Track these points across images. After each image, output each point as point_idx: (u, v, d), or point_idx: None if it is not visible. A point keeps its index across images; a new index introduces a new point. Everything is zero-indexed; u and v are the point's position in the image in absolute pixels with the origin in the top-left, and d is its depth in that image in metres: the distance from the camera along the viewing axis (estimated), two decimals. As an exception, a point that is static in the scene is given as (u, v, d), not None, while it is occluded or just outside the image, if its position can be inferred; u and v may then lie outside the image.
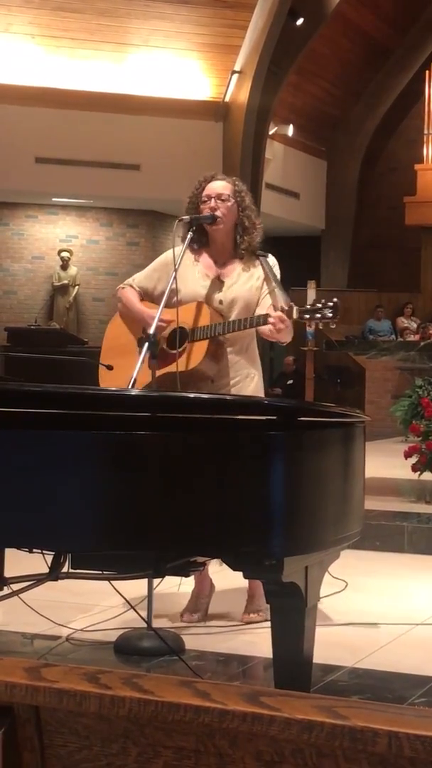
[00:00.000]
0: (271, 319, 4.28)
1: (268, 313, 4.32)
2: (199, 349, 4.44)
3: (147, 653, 4.22)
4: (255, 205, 4.74)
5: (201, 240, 4.63)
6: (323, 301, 4.27)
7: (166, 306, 4.43)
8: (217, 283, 4.58)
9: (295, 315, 4.23)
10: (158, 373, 4.43)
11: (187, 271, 4.57)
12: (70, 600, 4.92)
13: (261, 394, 4.68)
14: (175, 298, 4.47)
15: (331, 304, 4.22)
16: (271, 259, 4.62)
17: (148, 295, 4.66)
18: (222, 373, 4.55)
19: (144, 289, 4.68)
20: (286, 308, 4.26)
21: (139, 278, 4.73)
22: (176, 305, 4.44)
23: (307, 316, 4.24)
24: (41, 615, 4.32)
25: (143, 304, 4.64)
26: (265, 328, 4.35)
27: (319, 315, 4.22)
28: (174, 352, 4.45)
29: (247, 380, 4.61)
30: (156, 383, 4.37)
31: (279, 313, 4.26)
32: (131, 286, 4.72)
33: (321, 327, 4.31)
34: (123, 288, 4.75)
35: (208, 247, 4.64)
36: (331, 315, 4.21)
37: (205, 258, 4.64)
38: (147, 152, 15.57)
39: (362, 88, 19.08)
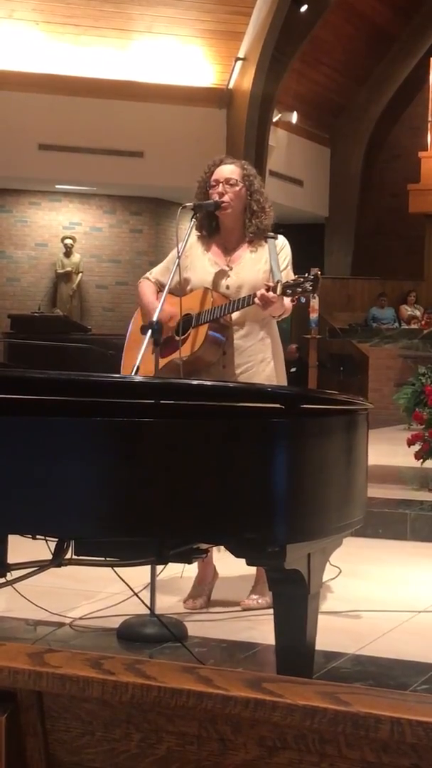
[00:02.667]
0: (255, 299, 4.34)
1: (255, 293, 4.37)
2: (200, 335, 4.46)
3: (150, 640, 4.23)
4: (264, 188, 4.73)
5: (211, 225, 4.64)
6: (306, 274, 4.29)
7: (177, 294, 4.46)
8: (226, 269, 4.59)
9: (279, 291, 4.26)
10: (163, 360, 4.45)
11: (197, 260, 4.60)
12: (73, 586, 4.93)
13: (278, 379, 4.67)
14: (189, 287, 4.54)
15: (312, 276, 4.24)
16: (280, 241, 4.61)
17: (164, 288, 4.64)
18: (230, 359, 4.56)
19: (160, 282, 4.69)
20: (272, 285, 4.28)
21: (156, 272, 4.77)
22: (181, 294, 4.47)
23: (290, 291, 4.25)
24: (37, 605, 4.33)
25: (161, 296, 4.63)
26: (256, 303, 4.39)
27: (300, 289, 4.24)
28: (178, 339, 4.47)
29: (262, 365, 4.59)
30: (162, 371, 4.39)
31: (261, 292, 4.31)
32: (148, 279, 4.75)
33: (303, 301, 4.33)
34: (140, 282, 4.80)
35: (218, 233, 4.65)
36: (310, 287, 4.23)
37: (215, 245, 4.65)
38: (151, 139, 15.53)
39: (366, 75, 19.02)
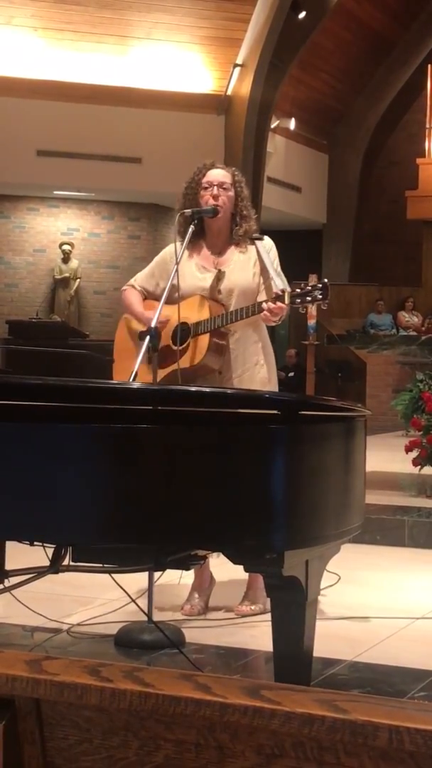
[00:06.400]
0: (264, 306, 4.34)
1: (263, 300, 4.38)
2: (202, 343, 4.46)
3: (147, 646, 4.22)
4: (252, 197, 4.81)
5: (195, 229, 4.65)
6: (313, 283, 4.30)
7: (169, 302, 4.45)
8: (216, 273, 4.60)
9: (287, 300, 4.26)
10: (164, 371, 4.44)
11: (184, 267, 4.58)
12: (70, 593, 4.92)
13: (273, 381, 4.69)
14: (177, 294, 4.49)
15: (320, 285, 4.24)
16: (267, 242, 4.65)
17: (150, 295, 4.67)
18: (227, 365, 4.57)
19: (145, 289, 4.70)
20: (280, 294, 4.29)
21: (140, 279, 4.76)
22: (177, 301, 4.46)
23: (299, 300, 4.26)
24: (34, 611, 4.33)
25: (146, 303, 4.65)
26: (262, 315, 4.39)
27: (309, 298, 4.24)
28: (177, 348, 4.46)
29: (257, 368, 4.62)
30: (163, 382, 4.38)
31: (269, 304, 4.31)
32: (133, 287, 4.74)
33: (313, 308, 4.36)
34: (125, 290, 4.77)
35: (204, 237, 4.67)
36: (321, 296, 4.23)
37: (202, 250, 4.66)
38: (149, 145, 15.54)
39: (364, 81, 19.05)
